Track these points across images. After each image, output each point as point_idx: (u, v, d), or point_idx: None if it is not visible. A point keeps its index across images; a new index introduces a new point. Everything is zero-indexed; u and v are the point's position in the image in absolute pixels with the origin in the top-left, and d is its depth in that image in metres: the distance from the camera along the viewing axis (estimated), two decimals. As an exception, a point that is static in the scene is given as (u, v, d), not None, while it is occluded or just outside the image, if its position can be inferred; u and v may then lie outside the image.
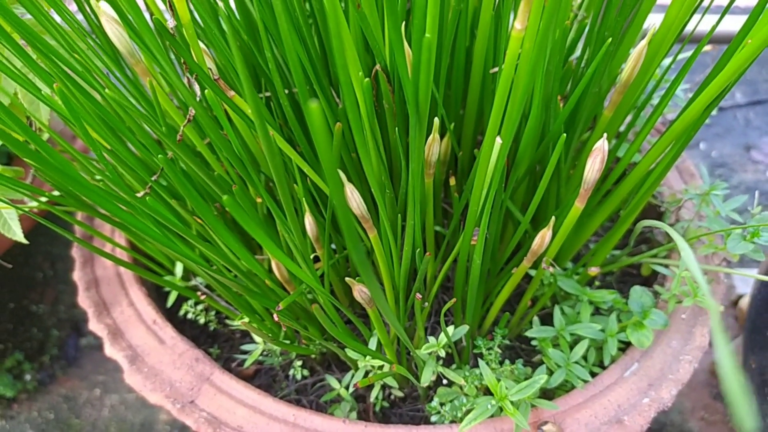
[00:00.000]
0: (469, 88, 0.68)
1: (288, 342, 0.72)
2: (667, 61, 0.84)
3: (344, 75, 0.37)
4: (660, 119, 0.96)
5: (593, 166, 0.48)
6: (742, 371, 0.89)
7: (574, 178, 0.71)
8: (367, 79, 0.41)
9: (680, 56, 0.76)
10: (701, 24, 0.66)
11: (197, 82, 0.52)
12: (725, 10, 0.58)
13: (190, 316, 0.80)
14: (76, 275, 0.78)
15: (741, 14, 0.56)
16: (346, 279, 0.52)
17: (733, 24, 0.75)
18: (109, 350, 0.69)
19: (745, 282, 1.22)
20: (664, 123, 0.97)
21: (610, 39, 0.53)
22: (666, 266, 0.73)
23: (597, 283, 0.83)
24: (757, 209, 0.70)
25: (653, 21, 0.61)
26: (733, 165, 1.58)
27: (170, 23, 0.47)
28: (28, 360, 1.17)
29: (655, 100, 0.86)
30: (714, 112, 0.65)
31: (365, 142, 0.48)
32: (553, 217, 0.54)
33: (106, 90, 0.51)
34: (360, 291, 0.51)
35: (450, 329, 0.61)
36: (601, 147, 0.47)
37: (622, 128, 0.78)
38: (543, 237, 0.55)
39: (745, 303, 1.18)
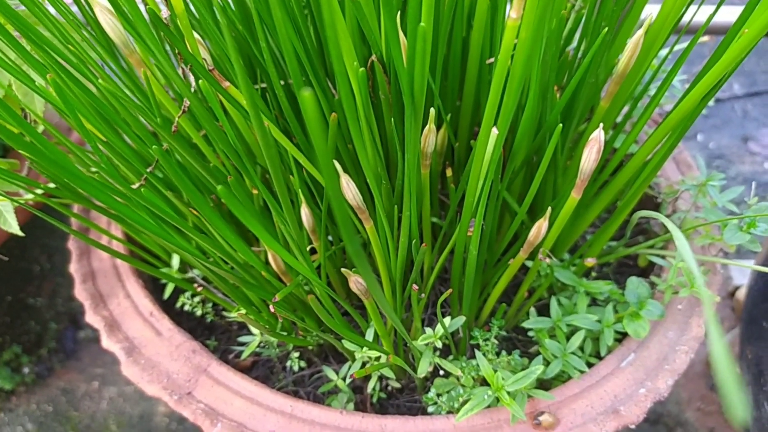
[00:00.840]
0: (466, 79, 0.67)
1: (285, 333, 0.72)
2: (664, 52, 0.84)
3: (339, 65, 0.37)
4: (657, 110, 0.96)
5: (589, 157, 0.48)
6: (739, 362, 0.90)
7: (571, 169, 0.71)
8: (362, 69, 0.41)
9: (677, 47, 0.75)
10: (698, 15, 0.66)
11: (192, 73, 0.52)
12: (721, 1, 0.58)
13: (187, 308, 0.80)
14: (73, 267, 0.78)
15: (739, 4, 0.56)
16: (342, 270, 0.52)
17: (730, 15, 0.75)
18: (106, 342, 0.69)
19: (742, 273, 1.23)
20: (662, 114, 0.96)
21: (606, 29, 0.52)
22: (662, 257, 0.73)
23: (594, 274, 0.83)
24: (753, 200, 0.70)
25: (650, 11, 0.61)
26: (730, 156, 1.58)
27: (164, 13, 0.46)
28: (26, 353, 1.17)
29: (652, 91, 0.86)
30: (711, 104, 0.65)
31: (361, 133, 0.47)
32: (550, 208, 0.54)
33: (100, 80, 0.51)
34: (356, 282, 0.51)
35: (447, 320, 0.62)
36: (597, 137, 0.47)
37: (619, 119, 0.78)
38: (539, 228, 0.55)
39: (742, 294, 1.18)
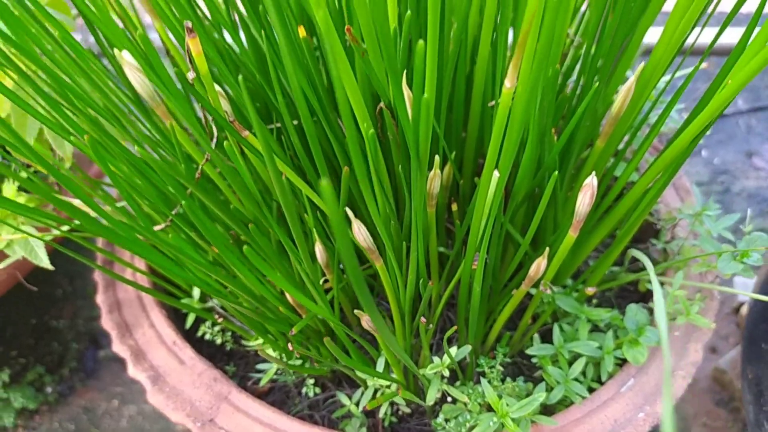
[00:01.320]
0: (470, 112, 0.70)
1: (300, 362, 0.76)
2: (665, 79, 0.86)
3: (351, 131, 0.40)
4: (657, 138, 0.98)
5: (583, 201, 0.51)
6: (740, 381, 0.92)
7: (571, 201, 0.73)
8: (371, 131, 0.45)
9: (677, 74, 0.77)
10: (701, 37, 0.67)
11: (215, 125, 0.56)
12: (723, 26, 0.59)
13: (207, 336, 0.83)
14: (99, 298, 0.82)
15: (740, 25, 0.56)
16: (355, 311, 0.55)
17: (731, 37, 0.76)
18: (132, 371, 0.73)
19: (745, 288, 1.25)
20: (662, 141, 0.99)
21: (597, 84, 0.55)
22: (661, 284, 0.75)
23: (595, 301, 0.86)
24: (748, 228, 0.72)
25: (649, 40, 0.63)
26: (735, 172, 1.60)
27: (190, 75, 0.50)
28: (49, 373, 1.21)
29: (652, 119, 0.88)
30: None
31: (371, 191, 0.51)
32: (548, 248, 0.57)
33: (137, 147, 0.55)
34: (368, 321, 0.55)
35: (453, 350, 0.65)
36: (590, 184, 0.50)
37: (620, 146, 0.81)
38: (539, 265, 0.58)
39: (746, 310, 1.20)
